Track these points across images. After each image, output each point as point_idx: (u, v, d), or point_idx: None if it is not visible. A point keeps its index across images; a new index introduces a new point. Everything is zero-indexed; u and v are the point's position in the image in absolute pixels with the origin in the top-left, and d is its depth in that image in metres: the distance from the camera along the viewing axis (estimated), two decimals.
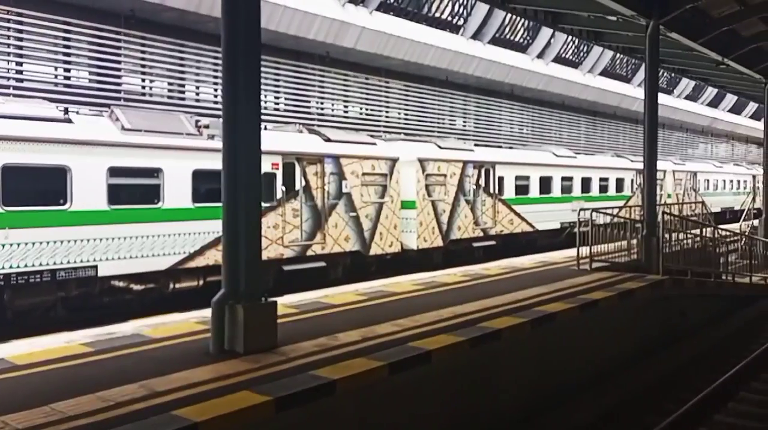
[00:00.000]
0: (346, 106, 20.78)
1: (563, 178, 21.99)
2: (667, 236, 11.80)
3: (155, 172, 11.52)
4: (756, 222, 19.92)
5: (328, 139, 14.84)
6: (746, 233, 16.21)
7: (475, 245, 18.35)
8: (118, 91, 14.99)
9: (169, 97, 16.21)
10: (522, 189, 20.07)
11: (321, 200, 14.21)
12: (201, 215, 11.93)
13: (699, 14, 13.74)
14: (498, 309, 7.68)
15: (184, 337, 6.44)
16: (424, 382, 5.86)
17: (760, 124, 33.83)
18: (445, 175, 17.25)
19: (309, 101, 19.28)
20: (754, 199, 27.92)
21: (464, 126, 24.84)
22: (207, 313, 6.23)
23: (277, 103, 18.68)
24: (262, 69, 18.01)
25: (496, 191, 18.96)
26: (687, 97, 36.45)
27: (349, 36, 17.98)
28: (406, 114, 22.42)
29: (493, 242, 18.78)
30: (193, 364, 5.42)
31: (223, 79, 6.07)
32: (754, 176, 35.91)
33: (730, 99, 38.92)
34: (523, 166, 20.39)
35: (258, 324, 5.87)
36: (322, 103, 19.89)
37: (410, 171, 16.34)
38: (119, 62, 14.99)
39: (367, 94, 21.03)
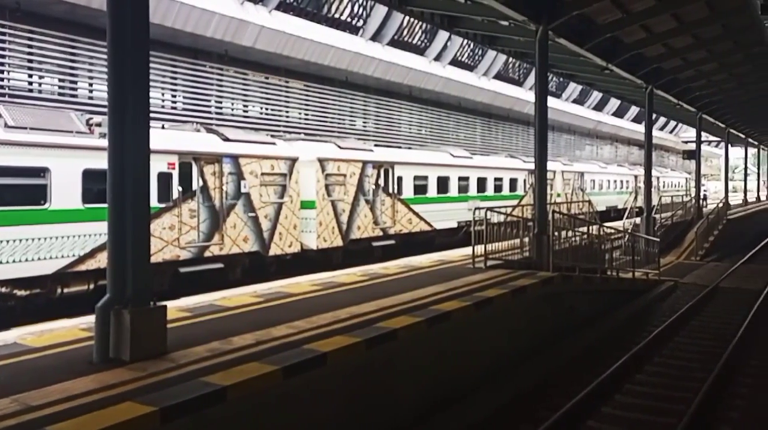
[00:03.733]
0: (246, 106, 20.34)
1: (460, 178, 22.55)
2: (556, 233, 12.32)
3: (41, 172, 10.95)
4: (638, 220, 21.27)
5: (227, 139, 14.48)
6: (629, 231, 17.23)
7: (375, 244, 18.49)
8: (2, 87, 14.11)
9: (60, 94, 15.34)
10: (420, 189, 20.41)
11: (219, 201, 13.88)
12: (92, 216, 11.39)
13: (585, 21, 14.47)
14: (395, 308, 7.71)
15: (67, 345, 6.05)
16: (319, 385, 5.76)
17: (641, 127, 36.23)
18: (344, 175, 17.27)
19: (208, 100, 18.72)
20: (636, 199, 29.82)
21: (364, 126, 24.97)
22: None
23: (174, 102, 18.01)
24: (159, 66, 17.55)
25: (395, 191, 19.17)
26: (574, 101, 38.50)
27: (248, 35, 17.62)
28: (306, 114, 22.25)
29: (392, 242, 19.00)
30: (74, 374, 5.09)
31: (108, 75, 5.76)
32: (635, 177, 38.15)
33: (614, 103, 41.45)
34: (421, 167, 20.74)
35: (146, 330, 5.60)
36: (221, 103, 19.37)
37: (310, 171, 16.23)
38: (4, 57, 14.12)
39: (268, 93, 20.70)
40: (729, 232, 28.09)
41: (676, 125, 51.85)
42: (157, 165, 12.65)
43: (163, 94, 17.80)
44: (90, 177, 11.48)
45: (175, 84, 17.82)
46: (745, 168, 47.64)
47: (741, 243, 27.82)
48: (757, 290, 15.47)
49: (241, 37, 17.50)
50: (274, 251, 15.20)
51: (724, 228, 27.43)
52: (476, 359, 8.51)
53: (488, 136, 33.21)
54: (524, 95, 31.88)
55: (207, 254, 13.63)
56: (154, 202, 12.51)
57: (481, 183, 23.85)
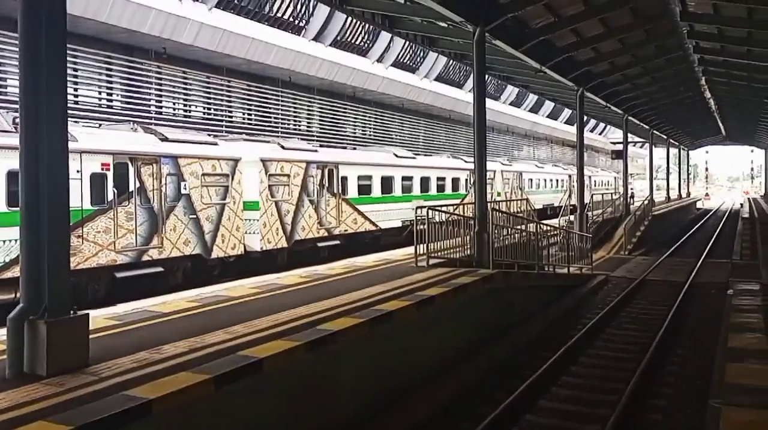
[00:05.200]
0: (187, 105, 19.93)
1: (404, 178, 22.72)
2: (497, 231, 12.56)
3: None
4: (572, 217, 21.93)
5: (165, 139, 14.17)
6: (564, 227, 17.75)
7: (320, 245, 18.44)
8: None
9: None
10: (365, 189, 20.46)
11: (158, 202, 13.57)
12: (17, 220, 10.83)
13: (520, 24, 14.82)
14: (337, 310, 7.70)
15: None
16: (256, 393, 5.63)
17: (574, 129, 37.33)
18: (288, 176, 17.15)
19: (147, 99, 18.24)
20: (570, 197, 30.72)
21: (309, 127, 24.84)
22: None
23: (110, 101, 17.47)
24: (93, 63, 16.95)
25: (340, 191, 19.16)
26: (512, 103, 39.36)
27: (188, 32, 17.22)
28: (249, 114, 21.97)
29: (337, 242, 18.97)
30: None
31: (20, 67, 5.41)
32: (570, 176, 39.28)
33: (549, 105, 42.57)
34: (365, 167, 20.79)
35: (65, 342, 5.28)
36: (161, 102, 18.90)
37: (253, 171, 16.05)
38: None
39: (209, 93, 20.33)
40: (654, 227, 29.36)
41: (605, 127, 53.73)
42: (90, 166, 12.30)
43: (100, 93, 17.25)
44: (16, 179, 10.99)
45: (111, 82, 17.28)
46: (668, 167, 50.00)
47: (665, 237, 29.15)
48: (680, 282, 16.21)
49: (180, 34, 17.09)
50: (216, 253, 14.98)
51: (649, 224, 28.65)
52: (420, 357, 8.56)
53: (431, 136, 33.57)
54: (465, 97, 32.32)
55: (145, 257, 13.34)
56: (87, 204, 12.17)
57: (425, 183, 24.10)
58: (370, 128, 28.62)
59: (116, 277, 12.79)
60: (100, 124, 14.85)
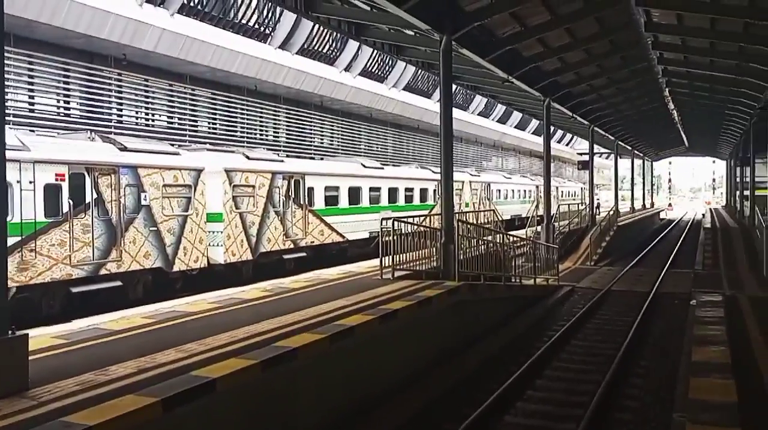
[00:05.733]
0: (148, 114, 19.47)
1: (371, 189, 22.58)
2: (465, 242, 12.45)
3: None
4: (539, 228, 22.02)
5: (125, 148, 13.80)
6: (531, 238, 17.77)
7: (286, 257, 18.20)
8: None
9: None
10: (332, 200, 20.26)
11: (116, 214, 13.21)
12: None
13: (486, 33, 14.82)
14: (298, 325, 7.46)
15: None
16: (210, 414, 5.36)
17: (541, 139, 37.72)
18: (253, 187, 16.88)
19: (107, 107, 17.72)
20: (537, 207, 30.93)
21: (275, 136, 24.53)
22: None
23: (68, 109, 16.94)
24: (48, 70, 16.40)
25: (307, 202, 18.92)
26: (480, 114, 39.55)
27: (148, 38, 16.78)
28: (214, 123, 21.59)
29: (304, 254, 18.74)
30: None
31: None
32: (537, 187, 39.69)
33: (517, 116, 42.93)
34: (332, 177, 20.60)
35: (1, 364, 4.96)
36: (121, 110, 18.42)
37: (216, 182, 15.76)
38: None
39: (173, 101, 19.91)
40: (619, 237, 29.75)
41: (572, 138, 54.46)
42: (44, 176, 11.89)
43: (58, 101, 16.71)
44: None
45: (68, 89, 16.75)
46: (632, 178, 50.97)
47: (630, 247, 29.55)
48: (644, 292, 16.35)
49: (140, 40, 16.64)
50: (178, 266, 14.65)
51: (615, 234, 29.03)
52: (384, 372, 8.40)
53: (399, 146, 33.50)
54: (433, 107, 32.29)
55: (103, 271, 12.98)
56: (40, 216, 11.74)
57: (393, 193, 23.98)
58: (338, 138, 28.42)
59: (72, 292, 12.38)
60: (58, 133, 14.38)
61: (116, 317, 8.45)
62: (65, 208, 12.19)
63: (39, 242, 11.70)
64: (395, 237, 11.38)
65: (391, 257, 11.36)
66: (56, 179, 12.15)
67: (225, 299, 9.46)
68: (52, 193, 12.04)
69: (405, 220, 11.96)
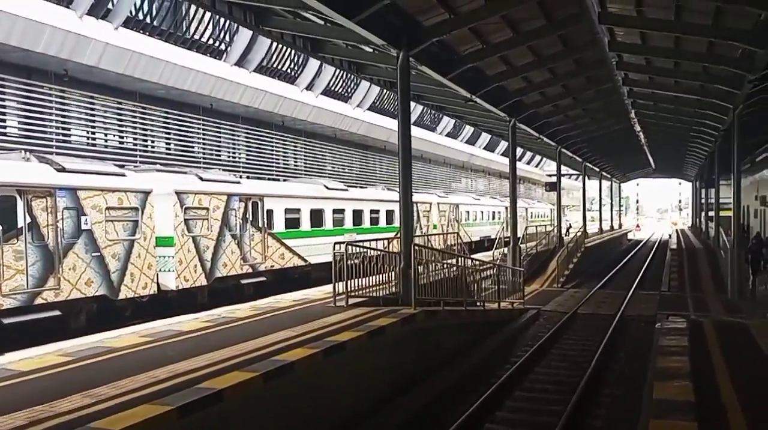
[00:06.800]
0: (94, 133, 18.56)
1: (335, 211, 21.92)
2: (426, 266, 11.84)
3: None
4: (506, 250, 21.55)
5: (63, 169, 12.96)
6: (495, 261, 17.25)
7: (244, 281, 17.45)
8: None
9: None
10: (293, 222, 19.55)
11: (53, 239, 12.37)
12: None
13: (446, 50, 14.39)
14: (230, 362, 6.69)
15: None
16: None
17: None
18: (207, 209, 16.16)
19: (47, 126, 16.75)
20: (506, 229, 30.58)
21: (234, 157, 23.75)
22: None
23: (3, 128, 15.97)
24: None
25: (266, 225, 18.18)
26: (448, 134, 39.28)
27: (90, 52, 15.91)
28: (168, 143, 20.75)
29: (263, 278, 18.00)
30: None
31: None
32: (506, 208, 39.51)
33: (486, 137, 42.83)
34: (293, 199, 19.90)
35: None
36: (66, 129, 17.48)
37: (167, 205, 15.00)
38: None
39: (121, 119, 19.04)
40: (587, 259, 29.49)
41: (542, 159, 54.56)
42: None
43: None
44: None
45: (4, 106, 15.81)
46: (600, 199, 51.32)
47: (597, 269, 29.27)
48: (610, 315, 15.98)
49: (81, 54, 15.76)
50: (125, 293, 13.84)
51: (582, 256, 28.71)
52: (329, 409, 7.70)
53: (365, 168, 32.92)
54: None
55: (39, 301, 12.12)
56: None
57: (357, 215, 23.32)
58: (302, 159, 27.73)
59: (3, 323, 11.43)
60: None
61: (33, 354, 7.59)
62: None
63: None
64: (351, 262, 10.73)
65: (345, 283, 10.67)
66: None
67: (158, 332, 8.62)
68: None
69: (358, 244, 11.32)
